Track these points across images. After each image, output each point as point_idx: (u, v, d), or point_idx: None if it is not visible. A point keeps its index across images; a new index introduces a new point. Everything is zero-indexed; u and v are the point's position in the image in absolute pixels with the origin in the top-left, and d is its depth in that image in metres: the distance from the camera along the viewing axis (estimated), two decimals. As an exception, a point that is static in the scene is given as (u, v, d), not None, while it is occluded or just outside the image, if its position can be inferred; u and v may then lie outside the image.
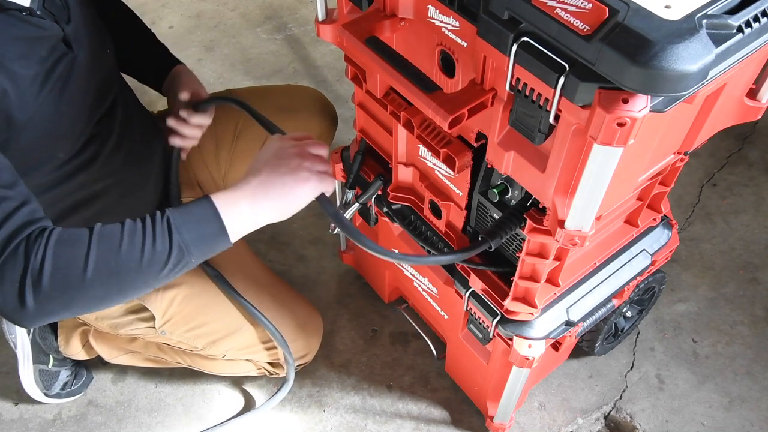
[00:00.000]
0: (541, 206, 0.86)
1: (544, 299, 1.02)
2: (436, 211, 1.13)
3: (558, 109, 0.68)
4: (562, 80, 0.64)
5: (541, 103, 0.69)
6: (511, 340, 1.06)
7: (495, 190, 0.95)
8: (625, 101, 0.60)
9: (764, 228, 1.73)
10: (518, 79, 0.70)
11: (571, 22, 0.61)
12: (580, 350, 1.46)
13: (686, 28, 0.58)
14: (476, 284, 1.07)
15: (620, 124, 0.61)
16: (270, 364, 1.34)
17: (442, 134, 0.96)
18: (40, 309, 0.78)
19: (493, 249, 0.95)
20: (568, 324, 1.07)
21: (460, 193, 1.02)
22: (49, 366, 1.40)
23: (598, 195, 0.72)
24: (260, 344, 1.28)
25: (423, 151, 1.05)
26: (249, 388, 1.48)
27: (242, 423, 1.42)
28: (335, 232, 1.20)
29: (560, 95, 0.66)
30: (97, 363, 1.48)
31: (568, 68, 0.63)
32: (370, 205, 1.29)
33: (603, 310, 1.13)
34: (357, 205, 1.20)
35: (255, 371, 1.36)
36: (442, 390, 1.46)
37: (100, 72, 1.00)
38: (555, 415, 1.42)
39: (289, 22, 2.40)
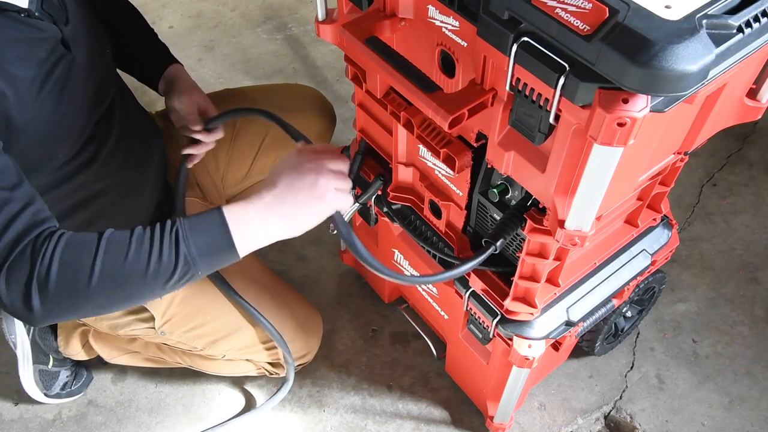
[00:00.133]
0: (541, 206, 0.86)
1: (544, 299, 1.02)
2: (436, 211, 1.13)
3: (558, 109, 0.68)
4: (562, 80, 0.64)
5: (541, 103, 0.69)
6: (511, 340, 1.06)
7: (495, 190, 0.95)
8: (625, 101, 0.60)
9: (764, 228, 1.73)
10: (518, 79, 0.70)
11: (571, 22, 0.61)
12: (580, 350, 1.46)
13: (686, 28, 0.58)
14: (476, 284, 1.07)
15: (620, 124, 0.61)
16: (270, 364, 1.34)
17: (442, 134, 0.96)
18: (46, 312, 0.78)
19: (498, 251, 0.94)
20: (568, 324, 1.07)
21: (460, 193, 1.02)
22: (49, 366, 1.40)
23: (598, 195, 0.72)
24: (260, 344, 1.28)
25: (423, 151, 1.05)
26: (249, 388, 1.48)
27: (242, 423, 1.42)
28: (335, 232, 1.19)
29: (560, 95, 0.66)
30: (97, 363, 1.48)
31: (568, 68, 0.63)
32: (370, 205, 1.29)
33: (603, 310, 1.13)
34: (357, 205, 1.20)
35: (255, 371, 1.36)
36: (442, 390, 1.46)
37: (99, 73, 1.00)
38: (555, 415, 1.42)
39: (289, 22, 2.40)
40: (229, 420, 1.42)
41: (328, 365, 1.51)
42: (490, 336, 1.12)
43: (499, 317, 1.06)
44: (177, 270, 0.81)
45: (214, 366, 1.33)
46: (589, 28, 0.60)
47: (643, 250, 1.14)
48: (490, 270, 1.06)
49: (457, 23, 0.77)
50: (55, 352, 1.39)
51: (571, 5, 0.61)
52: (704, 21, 0.59)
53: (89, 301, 0.80)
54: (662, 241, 1.16)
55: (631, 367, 1.49)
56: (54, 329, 1.39)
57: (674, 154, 0.90)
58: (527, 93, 0.70)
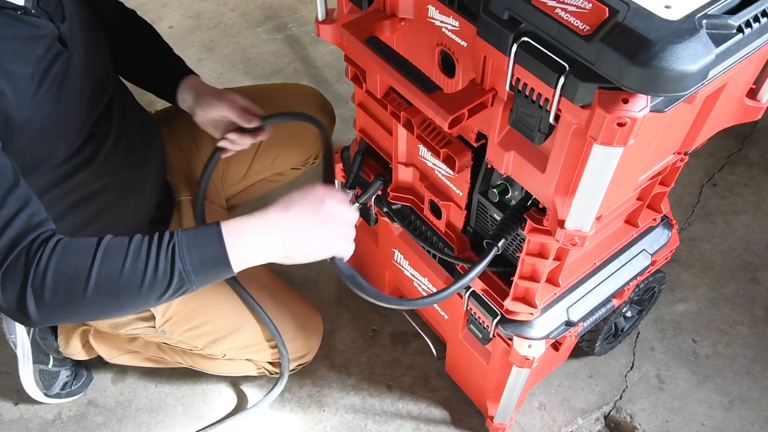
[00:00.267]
0: (541, 206, 0.86)
1: (544, 299, 1.02)
2: (436, 211, 1.13)
3: (558, 109, 0.68)
4: (562, 80, 0.64)
5: (541, 103, 0.69)
6: (511, 340, 1.06)
7: (495, 190, 0.95)
8: (625, 101, 0.60)
9: (764, 228, 1.73)
10: (518, 79, 0.70)
11: (571, 22, 0.61)
12: (580, 350, 1.46)
13: (686, 28, 0.58)
14: (476, 284, 1.07)
15: (620, 124, 0.61)
16: (270, 363, 1.34)
17: (442, 134, 0.96)
18: (42, 317, 0.79)
19: (500, 252, 0.94)
20: (568, 324, 1.07)
21: (460, 193, 1.02)
22: (49, 366, 1.40)
23: (598, 195, 0.72)
24: (260, 344, 1.28)
25: (423, 151, 1.05)
26: (249, 388, 1.48)
27: (241, 422, 1.42)
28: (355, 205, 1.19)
29: (560, 95, 0.66)
30: (97, 363, 1.48)
31: (568, 68, 0.63)
32: (370, 205, 1.29)
33: (603, 310, 1.13)
34: (357, 205, 1.20)
35: (255, 371, 1.36)
36: (442, 390, 1.46)
37: (97, 71, 1.00)
38: (555, 415, 1.42)
39: (289, 22, 2.40)
40: (225, 418, 1.42)
41: (328, 365, 1.51)
42: (490, 336, 1.12)
43: (499, 317, 1.06)
44: (172, 285, 0.82)
45: (214, 366, 1.33)
46: (589, 28, 0.60)
47: (643, 250, 1.14)
48: (490, 270, 1.06)
49: (457, 23, 0.77)
50: (55, 352, 1.40)
51: (571, 5, 0.61)
52: (704, 21, 0.59)
53: (84, 309, 0.81)
54: (662, 241, 1.16)
55: (631, 367, 1.49)
56: (54, 329, 1.39)
57: (674, 154, 0.90)
58: (527, 93, 0.70)
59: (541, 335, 1.04)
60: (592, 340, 1.37)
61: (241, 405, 1.46)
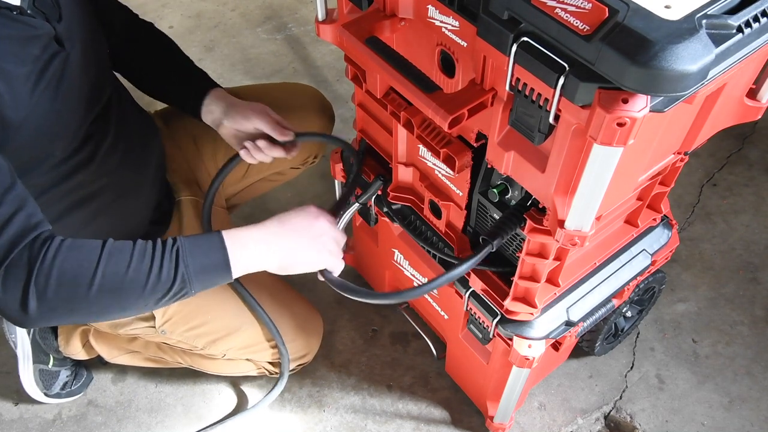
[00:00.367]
0: (541, 206, 0.86)
1: (544, 299, 1.02)
2: (436, 211, 1.13)
3: (558, 109, 0.68)
4: (562, 80, 0.64)
5: (541, 103, 0.69)
6: (511, 340, 1.06)
7: (495, 190, 0.95)
8: (625, 101, 0.60)
9: (764, 228, 1.73)
10: (518, 79, 0.70)
11: (571, 22, 0.61)
12: (580, 350, 1.46)
13: (686, 28, 0.58)
14: (476, 284, 1.07)
15: (620, 124, 0.61)
16: (270, 363, 1.34)
17: (442, 134, 0.96)
18: (42, 316, 0.80)
19: (494, 249, 0.94)
20: (568, 324, 1.07)
21: (460, 193, 1.03)
22: (49, 366, 1.40)
23: (598, 195, 0.72)
24: (260, 344, 1.28)
25: (423, 151, 1.05)
26: (249, 388, 1.48)
27: (241, 422, 1.42)
28: (341, 226, 1.19)
29: (560, 95, 0.66)
30: (97, 363, 1.48)
31: (568, 68, 0.63)
32: (370, 205, 1.29)
33: (603, 310, 1.13)
34: (357, 205, 1.20)
35: (255, 371, 1.36)
36: (442, 390, 1.46)
37: (94, 70, 1.00)
38: (555, 415, 1.42)
39: (289, 22, 2.40)
40: (225, 418, 1.42)
41: (328, 365, 1.51)
42: (490, 336, 1.12)
43: (499, 317, 1.06)
44: (173, 288, 0.85)
45: (214, 366, 1.33)
46: (588, 28, 0.60)
47: (643, 250, 1.14)
48: (490, 270, 1.06)
49: (456, 23, 0.77)
50: (55, 352, 1.40)
51: (571, 5, 0.61)
52: (704, 21, 0.59)
53: (85, 309, 0.83)
54: (662, 241, 1.16)
55: (631, 367, 1.49)
56: (54, 329, 1.39)
57: (674, 154, 0.90)
58: (527, 93, 0.70)
59: (541, 335, 1.04)
60: (592, 340, 1.37)
61: (240, 405, 1.46)
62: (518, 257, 0.95)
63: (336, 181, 1.37)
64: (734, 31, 0.62)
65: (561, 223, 0.79)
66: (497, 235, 0.92)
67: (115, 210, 1.11)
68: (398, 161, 1.12)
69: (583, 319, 1.09)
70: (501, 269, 1.05)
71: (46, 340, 1.38)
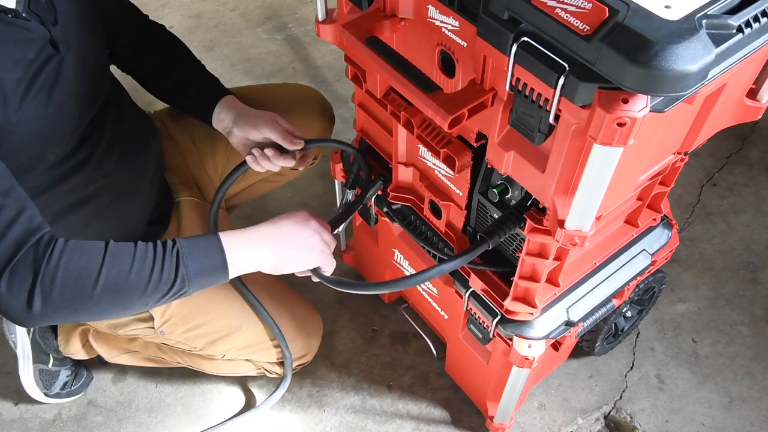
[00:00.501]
0: (541, 206, 0.86)
1: (544, 299, 1.02)
2: (436, 211, 1.13)
3: (558, 109, 0.68)
4: (562, 80, 0.64)
5: (541, 103, 0.69)
6: (511, 340, 1.06)
7: (495, 190, 0.95)
8: (625, 101, 0.60)
9: (764, 228, 1.73)
10: (518, 79, 0.70)
11: (571, 22, 0.61)
12: (580, 350, 1.46)
13: (686, 28, 0.58)
14: (476, 284, 1.07)
15: (620, 124, 0.61)
16: (270, 363, 1.34)
17: (442, 134, 0.96)
18: (45, 315, 0.83)
19: (491, 248, 0.95)
20: (568, 324, 1.07)
21: (460, 193, 1.03)
22: (49, 366, 1.40)
23: (598, 195, 0.72)
24: (260, 344, 1.28)
25: (423, 151, 1.05)
26: (249, 388, 1.48)
27: (242, 422, 1.42)
28: (335, 232, 1.20)
29: (560, 95, 0.66)
30: (97, 363, 1.48)
31: (568, 68, 0.63)
32: (370, 205, 1.29)
33: (603, 310, 1.13)
34: (359, 206, 1.20)
35: (254, 371, 1.36)
36: (442, 390, 1.46)
37: (91, 73, 0.99)
38: (555, 415, 1.42)
39: (289, 22, 2.40)
40: (228, 420, 1.42)
41: (328, 365, 1.51)
42: (490, 336, 1.12)
43: (499, 317, 1.06)
44: (173, 288, 0.89)
45: (213, 366, 1.33)
46: (588, 28, 0.60)
47: (643, 250, 1.14)
48: (490, 270, 1.06)
49: (457, 23, 0.77)
50: (55, 352, 1.40)
51: (571, 5, 0.61)
52: (704, 21, 0.59)
53: (88, 309, 0.85)
54: (662, 241, 1.16)
55: (631, 367, 1.49)
56: (54, 328, 1.39)
57: (674, 154, 0.90)
58: (527, 93, 0.70)
59: (541, 335, 1.04)
60: (592, 340, 1.37)
61: (241, 405, 1.46)
62: (518, 257, 0.95)
63: (336, 181, 1.37)
64: (734, 31, 0.62)
65: (561, 223, 0.79)
66: (494, 234, 0.93)
67: (114, 211, 1.11)
68: (398, 161, 1.12)
69: (583, 319, 1.09)
70: (501, 269, 1.05)
71: (46, 339, 1.38)
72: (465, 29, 0.76)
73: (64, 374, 1.43)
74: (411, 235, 1.19)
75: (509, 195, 0.95)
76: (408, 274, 1.35)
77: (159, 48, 1.23)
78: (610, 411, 1.43)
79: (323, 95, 1.44)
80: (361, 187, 1.23)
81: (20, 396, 1.43)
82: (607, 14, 0.59)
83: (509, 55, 0.68)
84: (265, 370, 1.36)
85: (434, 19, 0.80)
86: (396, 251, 1.35)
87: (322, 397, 1.46)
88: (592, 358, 1.49)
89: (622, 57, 0.57)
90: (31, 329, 1.36)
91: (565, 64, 0.63)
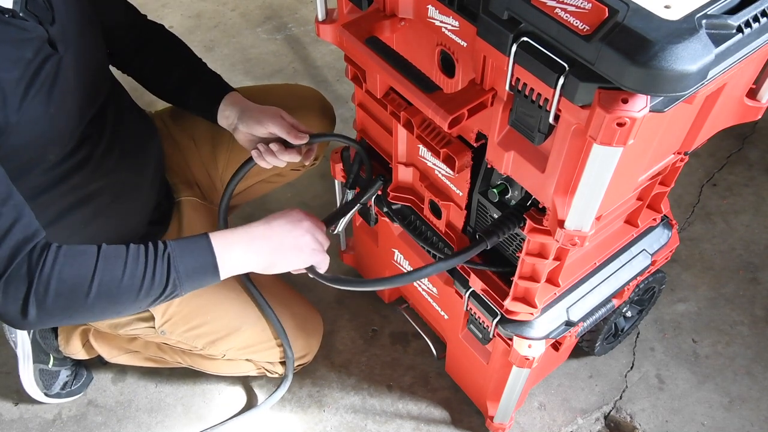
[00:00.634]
0: (540, 206, 0.86)
1: (544, 299, 1.02)
2: (436, 211, 1.13)
3: (558, 109, 0.68)
4: (561, 80, 0.64)
5: (541, 103, 0.69)
6: (511, 340, 1.06)
7: (495, 190, 0.95)
8: (625, 101, 0.60)
9: (764, 228, 1.73)
10: (518, 79, 0.70)
11: (571, 22, 0.61)
12: (580, 350, 1.46)
13: (686, 28, 0.58)
14: (476, 284, 1.07)
15: (620, 124, 0.61)
16: (270, 363, 1.34)
17: (442, 134, 0.96)
18: (40, 321, 0.84)
19: (489, 248, 0.95)
20: (568, 324, 1.07)
21: (460, 193, 1.03)
22: (49, 366, 1.40)
23: (598, 195, 0.72)
24: (260, 344, 1.28)
25: (423, 151, 1.05)
26: (249, 388, 1.48)
27: (242, 422, 1.42)
28: (335, 232, 1.20)
29: (560, 95, 0.66)
30: (97, 363, 1.48)
31: (567, 68, 0.63)
32: (370, 205, 1.29)
33: (603, 310, 1.13)
34: (357, 205, 1.20)
35: (255, 371, 1.36)
36: (442, 390, 1.46)
37: (90, 73, 0.99)
38: (555, 415, 1.42)
39: (289, 22, 2.40)
40: (229, 419, 1.42)
41: (328, 365, 1.51)
42: (490, 336, 1.12)
43: (499, 317, 1.06)
44: (166, 291, 0.90)
45: (214, 366, 1.33)
46: (588, 28, 0.60)
47: (643, 250, 1.14)
48: (490, 270, 1.06)
49: (456, 23, 0.77)
50: (55, 352, 1.40)
51: (571, 5, 0.61)
52: (704, 21, 0.59)
53: (82, 313, 0.87)
54: (662, 241, 1.16)
55: (631, 367, 1.49)
56: (54, 329, 1.39)
57: (674, 154, 0.90)
58: (527, 93, 0.70)
59: (541, 335, 1.04)
60: (592, 340, 1.37)
61: (241, 405, 1.46)
62: (518, 257, 0.95)
63: (336, 181, 1.37)
64: (734, 31, 0.62)
65: (561, 223, 0.79)
66: (493, 234, 0.93)
67: (114, 211, 1.11)
68: (398, 161, 1.12)
69: (583, 319, 1.09)
70: (501, 269, 1.05)
71: (46, 339, 1.38)
72: (465, 29, 0.76)
73: (64, 374, 1.43)
74: (411, 235, 1.19)
75: (509, 195, 0.95)
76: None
77: (159, 47, 1.22)
78: (610, 411, 1.43)
79: (324, 95, 1.44)
80: (361, 187, 1.23)
81: (20, 396, 1.43)
82: (607, 14, 0.59)
83: (509, 55, 0.68)
84: (266, 370, 1.36)
85: (434, 19, 0.80)
86: (396, 251, 1.35)
87: (322, 397, 1.46)
88: (592, 358, 1.49)
89: (622, 57, 0.57)
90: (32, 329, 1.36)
91: (565, 64, 0.63)
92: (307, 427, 1.42)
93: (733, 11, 0.62)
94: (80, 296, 0.84)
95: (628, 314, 1.40)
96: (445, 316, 1.30)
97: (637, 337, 1.53)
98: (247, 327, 1.25)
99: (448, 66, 0.87)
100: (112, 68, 1.18)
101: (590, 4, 0.60)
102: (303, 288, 1.64)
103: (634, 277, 1.13)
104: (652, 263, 1.15)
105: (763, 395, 1.44)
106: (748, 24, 0.62)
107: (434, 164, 1.05)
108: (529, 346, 1.04)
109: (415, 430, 1.41)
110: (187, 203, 1.29)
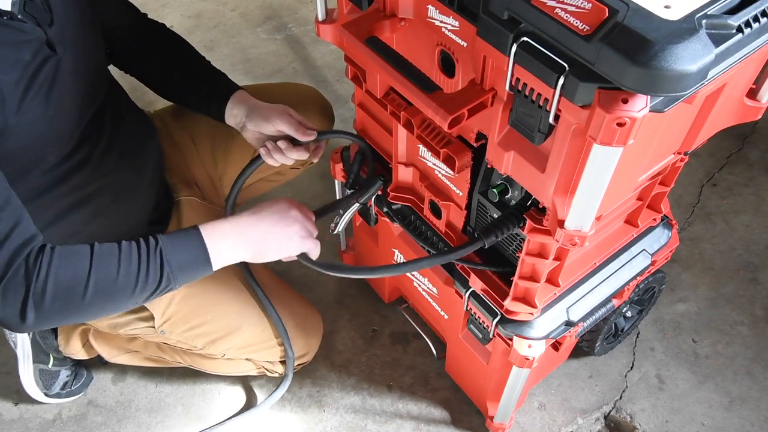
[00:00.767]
0: (541, 206, 0.86)
1: (544, 299, 1.02)
2: (436, 211, 1.13)
3: (558, 109, 0.68)
4: (561, 80, 0.64)
5: (541, 103, 0.69)
6: (511, 340, 1.06)
7: (495, 190, 0.95)
8: (625, 101, 0.60)
9: (764, 228, 1.73)
10: (518, 79, 0.70)
11: (571, 22, 0.61)
12: (580, 350, 1.46)
13: (686, 28, 0.58)
14: (476, 284, 1.07)
15: (620, 124, 0.61)
16: (270, 363, 1.34)
17: (442, 134, 0.96)
18: (38, 324, 0.85)
19: (487, 247, 0.95)
20: (568, 324, 1.07)
21: (460, 193, 1.03)
22: (49, 366, 1.40)
23: (598, 195, 0.72)
24: (260, 343, 1.28)
25: (423, 151, 1.05)
26: (249, 387, 1.48)
27: (242, 422, 1.42)
28: (335, 232, 1.20)
29: (560, 95, 0.66)
30: (97, 363, 1.48)
31: (567, 68, 0.63)
32: (370, 205, 1.29)
33: (603, 310, 1.13)
34: (357, 205, 1.20)
35: (255, 370, 1.36)
36: (442, 390, 1.46)
37: (88, 73, 0.99)
38: (555, 415, 1.42)
39: (289, 22, 2.40)
40: (229, 419, 1.42)
41: (328, 365, 1.51)
42: (490, 336, 1.12)
43: (499, 317, 1.06)
44: (160, 286, 0.91)
45: (214, 365, 1.33)
46: (588, 28, 0.60)
47: (643, 250, 1.14)
48: (490, 270, 1.06)
49: (456, 23, 0.77)
50: (55, 352, 1.40)
51: (571, 5, 0.61)
52: (704, 21, 0.59)
53: (80, 313, 0.88)
54: (662, 241, 1.16)
55: (631, 367, 1.49)
56: (54, 329, 1.39)
57: (674, 154, 0.90)
58: (527, 93, 0.70)
59: (541, 335, 1.04)
60: (592, 340, 1.37)
61: (241, 405, 1.46)
62: (518, 257, 0.95)
63: (336, 181, 1.37)
64: (734, 31, 0.62)
65: (561, 223, 0.79)
66: (491, 233, 0.93)
67: (114, 211, 1.11)
68: (398, 161, 1.12)
69: (583, 319, 1.09)
70: (501, 269, 1.05)
71: (46, 339, 1.38)
72: (465, 29, 0.76)
73: (64, 374, 1.43)
74: (411, 235, 1.19)
75: (509, 195, 0.95)
76: (408, 273, 1.35)
77: (161, 47, 1.22)
78: (610, 411, 1.43)
79: (323, 95, 1.44)
80: (360, 186, 1.23)
81: (20, 396, 1.43)
82: (607, 14, 0.59)
83: (509, 55, 0.68)
84: (266, 369, 1.36)
85: (434, 19, 0.80)
86: (396, 251, 1.35)
87: (322, 397, 1.46)
88: (592, 358, 1.49)
89: (622, 57, 0.57)
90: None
91: (565, 64, 0.63)
92: (307, 427, 1.42)
93: (733, 11, 0.62)
94: (77, 297, 0.85)
95: (628, 314, 1.40)
96: (445, 316, 1.30)
97: (637, 337, 1.53)
98: (246, 326, 1.25)
99: (448, 66, 0.87)
100: (110, 68, 1.18)
101: (590, 4, 0.60)
102: (303, 288, 1.64)
103: (634, 277, 1.13)
104: (652, 263, 1.15)
105: (763, 395, 1.44)
106: (748, 24, 0.62)
107: (434, 164, 1.05)
108: (529, 346, 1.04)
109: (415, 430, 1.41)
110: (187, 203, 1.29)
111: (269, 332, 1.27)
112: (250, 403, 1.46)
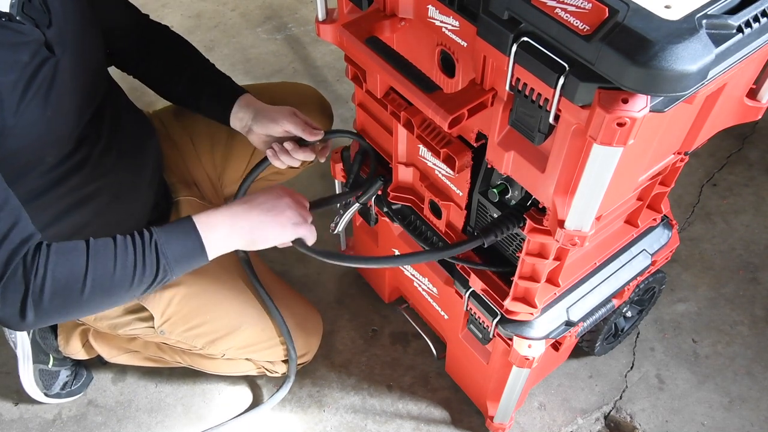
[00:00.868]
0: (541, 206, 0.86)
1: (544, 299, 1.02)
2: (436, 211, 1.13)
3: (558, 109, 0.68)
4: (562, 80, 0.64)
5: (541, 103, 0.69)
6: (511, 340, 1.06)
7: (495, 190, 0.95)
8: (625, 101, 0.60)
9: (764, 228, 1.73)
10: (518, 79, 0.70)
11: (571, 22, 0.61)
12: (580, 350, 1.46)
13: (686, 28, 0.58)
14: (476, 284, 1.07)
15: (620, 124, 0.61)
16: (270, 363, 1.34)
17: (442, 134, 0.96)
18: (38, 322, 0.85)
19: (486, 246, 0.95)
20: (568, 324, 1.07)
21: (460, 193, 1.03)
22: (49, 366, 1.40)
23: (598, 195, 0.72)
24: (260, 343, 1.28)
25: (423, 151, 1.05)
26: (249, 387, 1.48)
27: (243, 422, 1.42)
28: (335, 232, 1.20)
29: (560, 95, 0.66)
30: (97, 363, 1.48)
31: (568, 68, 0.63)
32: (370, 205, 1.29)
33: (603, 310, 1.13)
34: (357, 205, 1.20)
35: (255, 370, 1.36)
36: (442, 390, 1.46)
37: (87, 74, 0.99)
38: (555, 415, 1.42)
39: (289, 22, 2.40)
40: (230, 420, 1.42)
41: (328, 365, 1.51)
42: (490, 336, 1.12)
43: (499, 317, 1.06)
44: (157, 278, 0.91)
45: (213, 365, 1.33)
46: (588, 28, 0.60)
47: (643, 250, 1.14)
48: (490, 270, 1.06)
49: (457, 23, 0.77)
50: (55, 352, 1.40)
51: (571, 5, 0.61)
52: (704, 21, 0.59)
53: (79, 309, 0.88)
54: (662, 241, 1.16)
55: (631, 367, 1.49)
56: (54, 328, 1.39)
57: (674, 154, 0.90)
58: (527, 93, 0.70)
59: (541, 335, 1.04)
60: (592, 340, 1.37)
61: (241, 405, 1.46)
62: (518, 257, 0.95)
63: (336, 181, 1.37)
64: (734, 31, 0.62)
65: (561, 223, 0.79)
66: (491, 233, 0.93)
67: (113, 211, 1.11)
68: (398, 161, 1.12)
69: (583, 319, 1.09)
70: (501, 269, 1.05)
71: (45, 339, 1.38)
72: (465, 29, 0.76)
73: (64, 374, 1.43)
74: (411, 235, 1.19)
75: (509, 195, 0.95)
76: (407, 272, 1.35)
77: (162, 48, 1.22)
78: (610, 411, 1.43)
79: (322, 95, 1.44)
80: (360, 186, 1.23)
81: (20, 396, 1.43)
82: (607, 14, 0.59)
83: (509, 55, 0.68)
84: (266, 369, 1.36)
85: (434, 19, 0.80)
86: (396, 251, 1.35)
87: (322, 397, 1.46)
88: (592, 358, 1.49)
89: (622, 57, 0.57)
90: (31, 329, 1.36)
91: (565, 64, 0.63)
92: (307, 427, 1.42)
93: (733, 11, 0.62)
94: (75, 293, 0.85)
95: (628, 314, 1.40)
96: (445, 316, 1.30)
97: (637, 337, 1.53)
98: (246, 326, 1.25)
99: (448, 66, 0.87)
100: (110, 68, 1.18)
101: (590, 4, 0.60)
102: (303, 288, 1.64)
103: (634, 277, 1.13)
104: (652, 263, 1.15)
105: (763, 395, 1.44)
106: (748, 24, 0.62)
107: (434, 164, 1.05)
108: (529, 346, 1.04)
109: (415, 430, 1.41)
110: (186, 203, 1.29)
111: (269, 332, 1.27)
112: (250, 404, 1.46)
